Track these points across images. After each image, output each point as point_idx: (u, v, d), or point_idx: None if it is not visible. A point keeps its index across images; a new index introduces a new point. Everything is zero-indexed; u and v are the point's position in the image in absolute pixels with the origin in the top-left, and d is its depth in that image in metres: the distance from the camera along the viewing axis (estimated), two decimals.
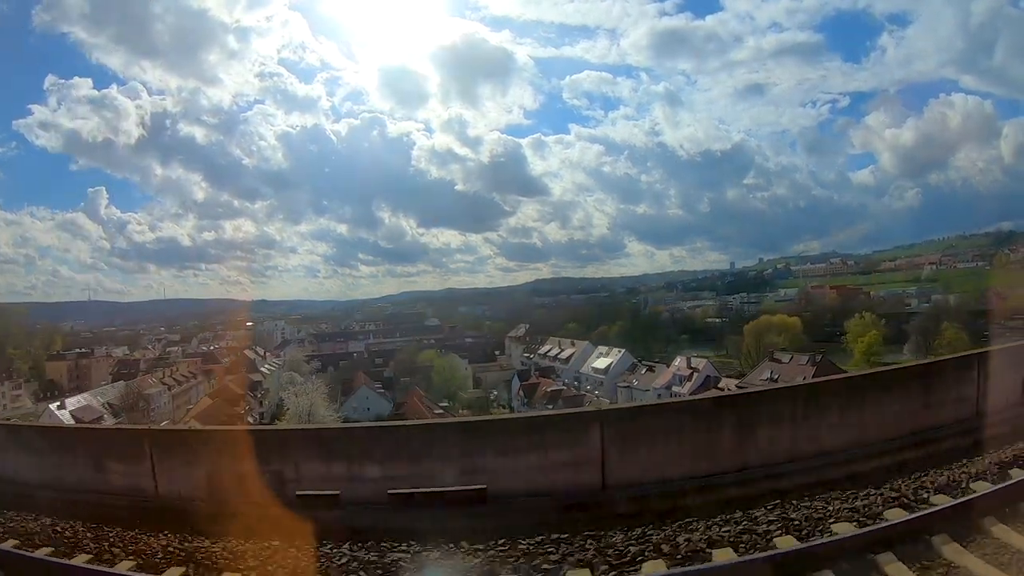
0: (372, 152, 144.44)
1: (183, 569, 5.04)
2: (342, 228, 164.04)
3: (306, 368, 60.54)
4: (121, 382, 51.10)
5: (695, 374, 46.40)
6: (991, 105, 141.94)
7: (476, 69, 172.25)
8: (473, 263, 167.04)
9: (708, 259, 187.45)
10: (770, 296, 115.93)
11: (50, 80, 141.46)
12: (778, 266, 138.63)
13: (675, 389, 44.82)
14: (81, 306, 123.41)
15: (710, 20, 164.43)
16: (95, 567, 5.12)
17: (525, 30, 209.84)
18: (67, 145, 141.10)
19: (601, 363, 55.20)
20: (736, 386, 38.39)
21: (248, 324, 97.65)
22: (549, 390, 48.18)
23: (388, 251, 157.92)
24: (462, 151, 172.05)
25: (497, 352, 72.54)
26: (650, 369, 51.98)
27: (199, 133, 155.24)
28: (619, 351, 55.91)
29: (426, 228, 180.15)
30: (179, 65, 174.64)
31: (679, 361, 50.26)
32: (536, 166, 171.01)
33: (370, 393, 51.77)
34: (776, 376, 40.84)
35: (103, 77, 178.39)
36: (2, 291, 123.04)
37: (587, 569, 4.64)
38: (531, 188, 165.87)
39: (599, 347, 58.82)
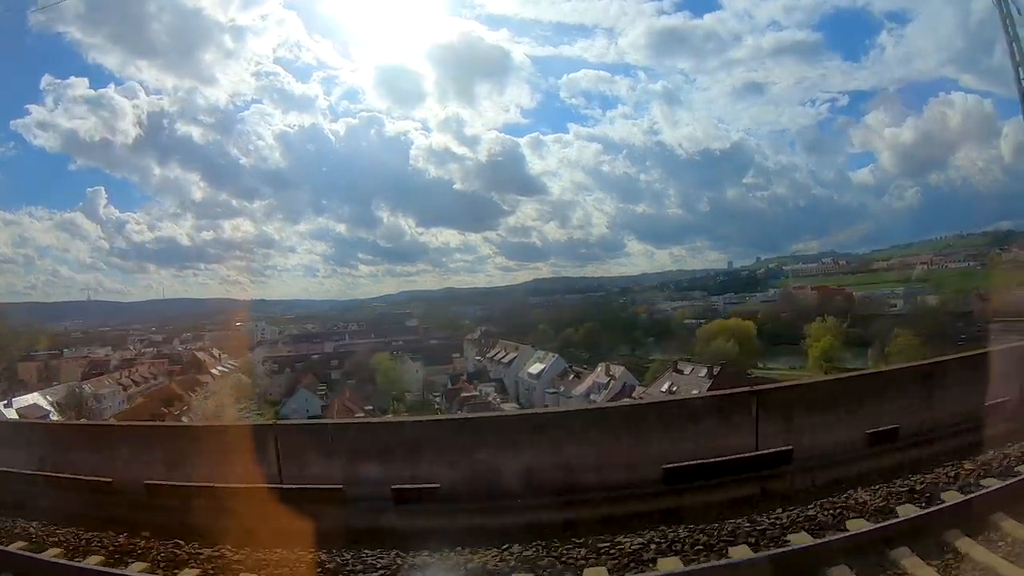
0: (370, 151, 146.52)
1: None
2: (341, 228, 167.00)
3: (261, 369, 62.62)
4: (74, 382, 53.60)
5: (612, 382, 46.84)
6: (991, 104, 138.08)
7: (473, 68, 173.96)
8: (473, 262, 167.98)
9: (708, 258, 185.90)
10: (758, 296, 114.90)
11: (47, 80, 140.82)
12: (771, 266, 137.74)
13: (592, 396, 45.34)
14: (81, 306, 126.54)
15: (708, 19, 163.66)
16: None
17: (523, 29, 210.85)
18: (65, 145, 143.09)
19: (535, 368, 56.04)
20: (639, 396, 38.97)
21: (237, 324, 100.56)
22: (463, 395, 49.27)
23: (387, 251, 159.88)
24: (460, 150, 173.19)
25: (456, 354, 73.76)
26: (577, 376, 52.57)
27: (196, 132, 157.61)
28: (553, 356, 56.61)
29: (425, 227, 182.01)
30: (175, 65, 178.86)
31: (600, 368, 50.68)
32: (534, 165, 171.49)
33: (309, 395, 53.53)
34: (675, 388, 40.96)
35: (100, 77, 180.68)
36: (2, 291, 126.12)
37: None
38: (530, 187, 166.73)
39: (537, 352, 59.59)
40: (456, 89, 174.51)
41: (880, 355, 62.41)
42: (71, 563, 5.60)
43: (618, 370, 49.30)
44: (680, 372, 44.45)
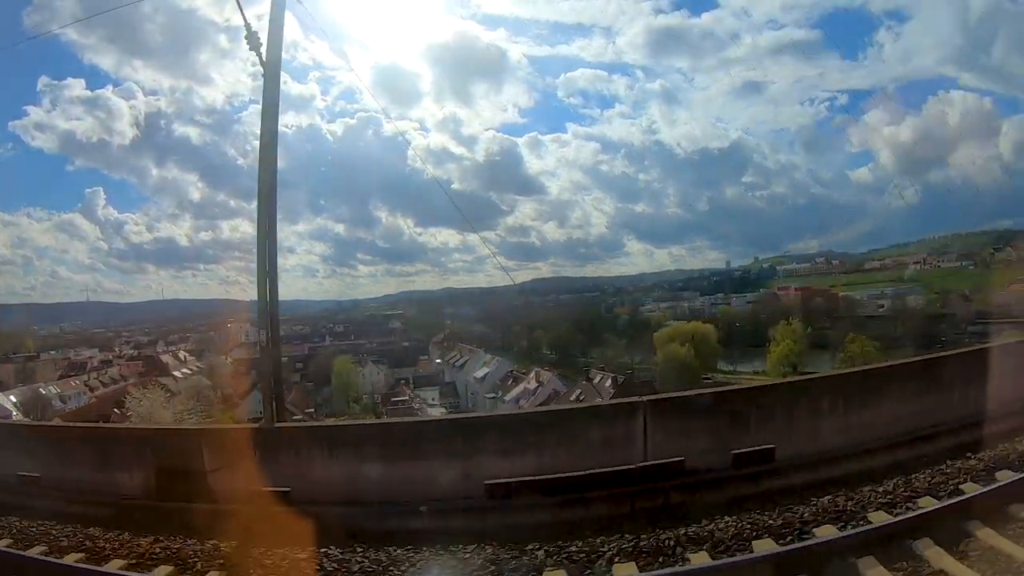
0: (368, 151, 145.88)
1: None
2: (339, 228, 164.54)
3: (226, 371, 64.03)
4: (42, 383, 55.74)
5: (540, 388, 47.27)
6: (990, 102, 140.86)
7: (470, 67, 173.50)
8: (472, 262, 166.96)
9: (708, 258, 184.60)
10: (747, 296, 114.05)
11: (43, 81, 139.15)
12: (764, 266, 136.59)
13: (520, 402, 45.85)
14: (80, 307, 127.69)
15: (706, 17, 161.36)
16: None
17: (520, 28, 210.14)
18: (63, 146, 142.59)
19: (480, 372, 56.68)
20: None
21: (228, 325, 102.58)
22: (393, 399, 50.25)
23: (386, 251, 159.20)
24: (458, 150, 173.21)
25: (424, 357, 74.79)
26: (515, 380, 53.09)
27: (193, 133, 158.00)
28: (496, 360, 57.17)
29: (424, 228, 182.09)
30: (171, 65, 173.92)
31: (532, 374, 51.19)
32: (532, 165, 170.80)
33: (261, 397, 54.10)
34: (583, 396, 41.26)
35: (96, 78, 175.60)
36: (1, 292, 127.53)
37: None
38: (528, 187, 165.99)
39: (485, 356, 60.23)
40: (453, 89, 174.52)
41: (835, 361, 61.85)
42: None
43: (547, 376, 49.74)
44: (590, 381, 44.68)
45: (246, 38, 8.73)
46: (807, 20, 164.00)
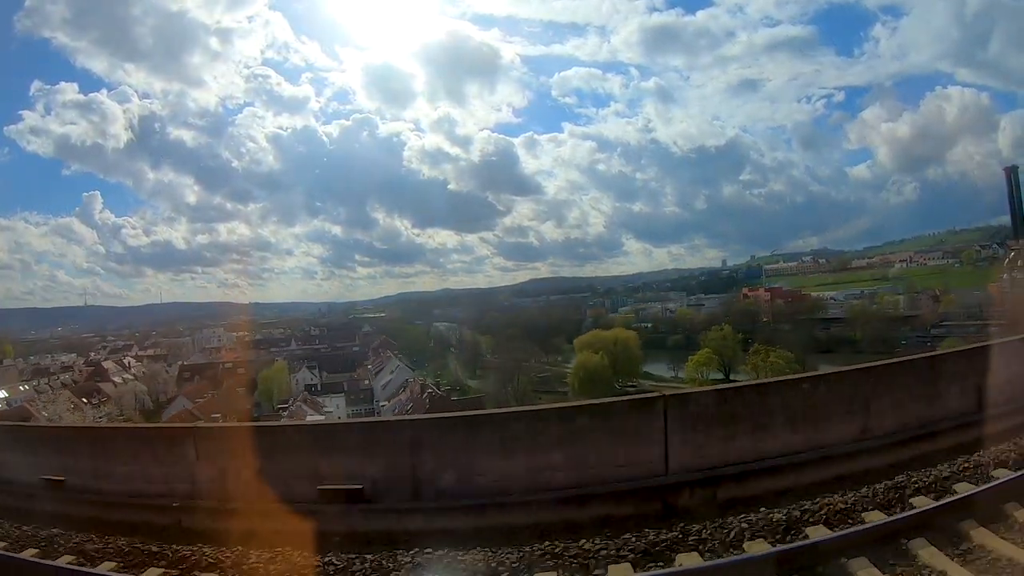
0: (363, 152, 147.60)
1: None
2: (337, 229, 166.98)
3: (160, 378, 66.84)
4: None
5: (411, 398, 48.01)
6: (988, 97, 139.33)
7: (463, 67, 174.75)
8: (471, 263, 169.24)
9: (707, 256, 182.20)
10: (721, 297, 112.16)
11: (36, 86, 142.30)
12: (752, 265, 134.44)
13: (395, 409, 46.67)
14: (79, 311, 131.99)
15: (701, 15, 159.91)
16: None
17: (514, 28, 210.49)
18: (58, 150, 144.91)
19: (384, 380, 57.62)
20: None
21: (219, 327, 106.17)
22: (279, 406, 51.80)
23: (384, 252, 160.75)
24: (453, 150, 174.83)
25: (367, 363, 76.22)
26: (406, 389, 53.98)
27: (188, 136, 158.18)
28: (400, 368, 57.99)
29: (421, 228, 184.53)
30: (162, 68, 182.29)
31: (411, 385, 52.00)
32: (529, 165, 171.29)
33: (186, 402, 57.14)
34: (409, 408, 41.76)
35: (88, 81, 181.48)
36: (1, 297, 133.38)
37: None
38: (524, 187, 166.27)
39: (394, 363, 61.09)
40: (447, 89, 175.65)
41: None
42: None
43: (416, 387, 50.70)
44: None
45: None
46: (802, 16, 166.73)
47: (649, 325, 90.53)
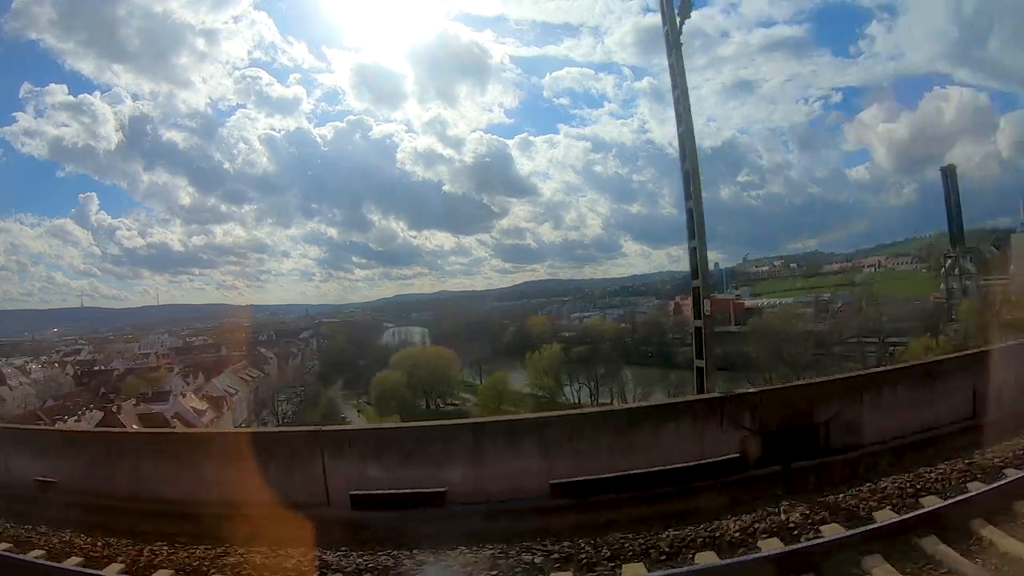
0: (357, 154, 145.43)
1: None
2: (332, 231, 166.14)
3: (55, 383, 70.22)
4: None
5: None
6: (987, 97, 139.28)
7: (452, 67, 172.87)
8: (468, 265, 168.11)
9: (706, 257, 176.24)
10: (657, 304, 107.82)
11: (26, 88, 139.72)
12: (736, 268, 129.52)
13: None
14: (75, 313, 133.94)
15: (694, 15, 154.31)
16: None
17: (507, 29, 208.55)
18: (52, 152, 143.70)
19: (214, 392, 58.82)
20: None
21: (158, 334, 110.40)
22: None
23: (381, 254, 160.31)
24: (446, 152, 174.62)
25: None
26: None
27: (179, 137, 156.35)
28: (228, 376, 58.67)
29: (417, 230, 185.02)
30: (150, 69, 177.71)
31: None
32: (524, 166, 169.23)
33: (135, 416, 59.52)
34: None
35: (77, 83, 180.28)
36: None
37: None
38: (520, 189, 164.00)
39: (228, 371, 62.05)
40: (437, 89, 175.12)
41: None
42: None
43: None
44: None
45: None
46: (798, 16, 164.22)
47: (569, 334, 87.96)
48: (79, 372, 78.22)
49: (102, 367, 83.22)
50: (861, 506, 6.45)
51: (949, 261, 71.12)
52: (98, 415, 46.02)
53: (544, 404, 55.74)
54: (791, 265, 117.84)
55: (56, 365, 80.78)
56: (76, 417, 47.36)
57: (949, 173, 73.23)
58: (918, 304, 75.39)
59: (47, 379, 71.91)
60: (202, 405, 53.75)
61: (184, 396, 54.19)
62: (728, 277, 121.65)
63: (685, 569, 5.33)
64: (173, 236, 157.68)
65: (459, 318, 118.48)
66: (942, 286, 72.19)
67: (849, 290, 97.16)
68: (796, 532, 6.00)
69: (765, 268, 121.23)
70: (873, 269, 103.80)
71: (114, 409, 47.97)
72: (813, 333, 67.61)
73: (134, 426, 42.67)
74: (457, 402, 56.35)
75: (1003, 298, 64.97)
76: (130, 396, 61.68)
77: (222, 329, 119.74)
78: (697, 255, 10.61)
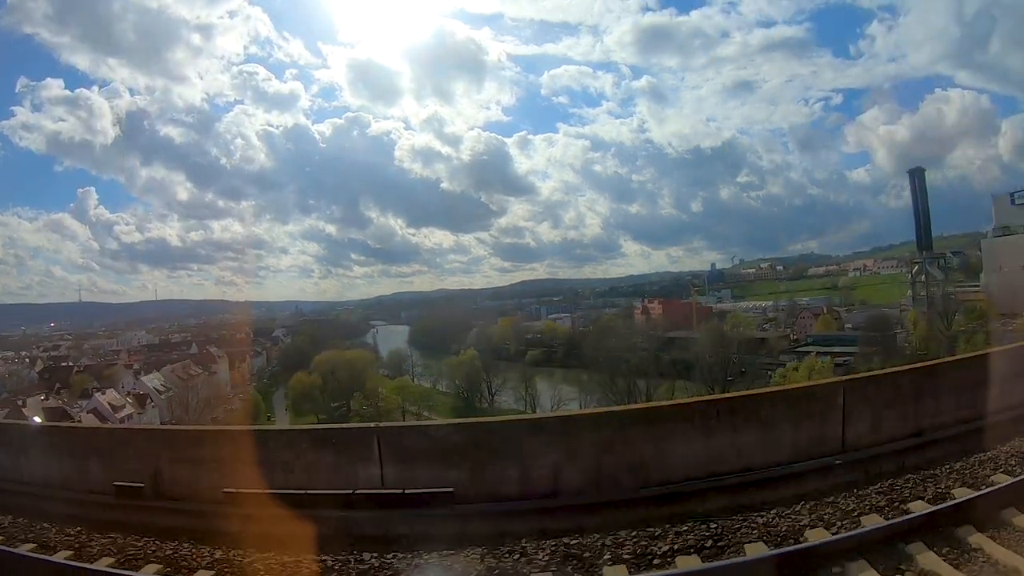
0: (355, 150, 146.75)
1: (160, 566, 5.54)
2: (331, 228, 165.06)
3: (16, 379, 72.05)
4: None
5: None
6: (988, 100, 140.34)
7: (449, 63, 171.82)
8: (467, 263, 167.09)
9: (705, 259, 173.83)
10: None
11: (22, 82, 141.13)
12: (724, 268, 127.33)
13: None
14: (72, 307, 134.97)
15: (694, 15, 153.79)
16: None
17: (506, 27, 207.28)
18: (50, 146, 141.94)
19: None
20: None
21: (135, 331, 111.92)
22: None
23: (379, 251, 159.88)
24: (444, 149, 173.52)
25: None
26: None
27: (176, 133, 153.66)
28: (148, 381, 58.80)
29: (416, 228, 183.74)
30: (145, 64, 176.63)
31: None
32: (522, 164, 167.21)
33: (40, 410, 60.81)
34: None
35: (73, 78, 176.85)
36: None
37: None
38: (517, 187, 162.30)
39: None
40: (434, 86, 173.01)
41: None
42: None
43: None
44: None
45: None
46: (798, 16, 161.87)
47: (531, 336, 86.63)
48: (46, 367, 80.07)
49: (70, 363, 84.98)
50: None
51: (916, 267, 67.30)
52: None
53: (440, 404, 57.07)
54: (777, 268, 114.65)
55: (27, 359, 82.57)
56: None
57: (917, 176, 69.42)
58: (888, 311, 71.91)
59: (10, 373, 73.39)
60: (121, 403, 54.13)
61: (105, 393, 54.60)
62: (717, 279, 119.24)
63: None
64: (171, 231, 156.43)
65: (438, 318, 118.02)
66: (908, 293, 68.50)
67: (831, 294, 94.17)
68: None
69: (752, 271, 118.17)
70: (858, 273, 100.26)
71: (19, 403, 48.54)
72: (757, 341, 64.70)
73: (35, 419, 42.64)
74: (368, 404, 55.61)
75: (966, 307, 61.46)
76: (77, 391, 62.81)
77: (207, 326, 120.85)
78: None
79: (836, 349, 58.07)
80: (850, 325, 69.09)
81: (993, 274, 64.18)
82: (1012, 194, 64.56)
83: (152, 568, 5.65)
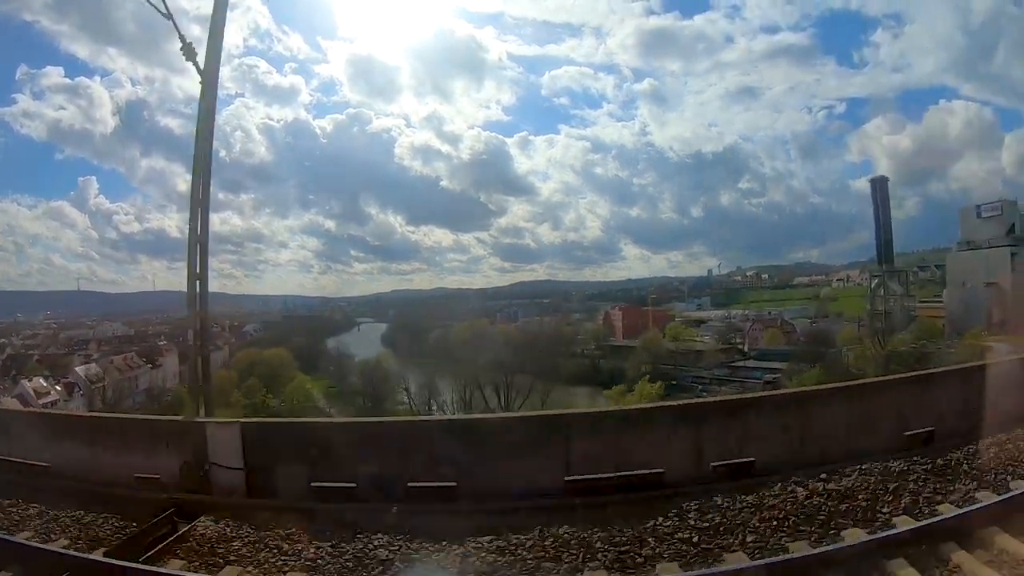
0: (355, 146, 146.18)
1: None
2: (330, 224, 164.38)
3: None
4: None
5: None
6: (992, 113, 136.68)
7: (448, 61, 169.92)
8: (467, 263, 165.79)
9: (705, 264, 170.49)
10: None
11: (22, 70, 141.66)
12: (722, 274, 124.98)
13: None
14: (70, 296, 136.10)
15: (698, 19, 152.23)
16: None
17: (508, 27, 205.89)
18: (49, 134, 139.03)
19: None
20: None
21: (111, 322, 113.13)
22: None
23: (378, 248, 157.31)
24: (443, 148, 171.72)
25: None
26: None
27: (175, 123, 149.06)
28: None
29: (415, 226, 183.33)
30: (144, 54, 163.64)
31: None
32: (522, 165, 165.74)
33: None
34: None
35: (73, 66, 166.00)
36: None
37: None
38: (517, 187, 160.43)
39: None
40: (433, 84, 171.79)
41: None
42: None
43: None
44: None
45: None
46: (802, 22, 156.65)
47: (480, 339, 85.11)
48: (8, 355, 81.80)
49: (33, 352, 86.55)
50: None
51: (876, 281, 64.14)
52: None
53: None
54: (763, 276, 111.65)
55: None
56: None
57: (878, 185, 65.99)
58: (835, 326, 69.15)
59: None
60: (46, 390, 54.89)
61: (31, 380, 55.60)
62: (705, 285, 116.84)
63: None
64: (170, 222, 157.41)
65: (411, 317, 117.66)
66: (867, 306, 65.35)
67: (810, 304, 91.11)
68: None
69: (739, 278, 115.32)
70: (841, 284, 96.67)
71: None
72: (695, 353, 62.50)
73: None
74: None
75: (921, 324, 58.41)
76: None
77: (186, 321, 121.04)
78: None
79: (774, 364, 55.52)
80: (803, 338, 66.24)
81: (955, 289, 60.79)
82: (978, 207, 60.98)
83: None
